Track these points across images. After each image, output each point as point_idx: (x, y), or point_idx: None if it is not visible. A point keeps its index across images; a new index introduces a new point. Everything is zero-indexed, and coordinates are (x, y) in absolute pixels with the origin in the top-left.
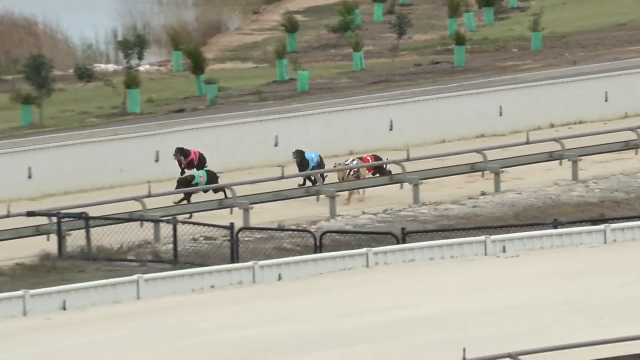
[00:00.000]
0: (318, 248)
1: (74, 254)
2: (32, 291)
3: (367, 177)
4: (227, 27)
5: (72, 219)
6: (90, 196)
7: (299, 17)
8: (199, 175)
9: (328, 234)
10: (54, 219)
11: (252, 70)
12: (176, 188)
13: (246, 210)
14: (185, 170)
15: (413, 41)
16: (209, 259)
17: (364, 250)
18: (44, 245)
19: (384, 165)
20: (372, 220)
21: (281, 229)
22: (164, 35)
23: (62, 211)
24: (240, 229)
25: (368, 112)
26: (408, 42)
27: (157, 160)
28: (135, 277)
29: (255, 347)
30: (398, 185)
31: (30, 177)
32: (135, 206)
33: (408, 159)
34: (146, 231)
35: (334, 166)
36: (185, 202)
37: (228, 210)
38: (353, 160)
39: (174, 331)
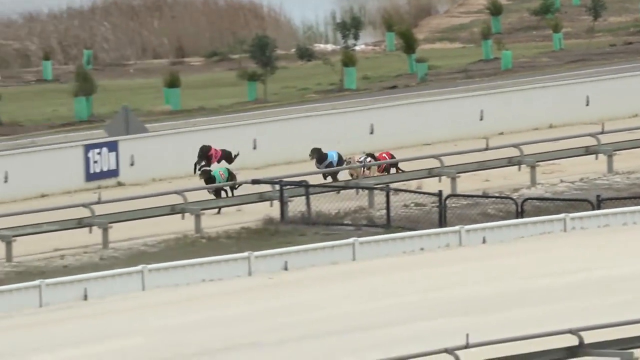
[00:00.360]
0: (519, 214)
1: (295, 219)
2: (256, 253)
3: (376, 175)
4: (436, 10)
5: (293, 186)
6: (310, 166)
7: (502, 1)
8: (220, 172)
9: (529, 200)
10: (277, 187)
11: (459, 50)
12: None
13: (453, 179)
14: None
15: (608, 23)
16: (419, 224)
17: (562, 215)
18: (267, 211)
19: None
20: (569, 188)
21: (485, 196)
22: (378, 18)
23: (284, 179)
24: (448, 196)
25: (565, 89)
26: (603, 24)
27: (371, 133)
28: (351, 240)
29: (458, 306)
30: (593, 156)
31: (255, 147)
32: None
33: (602, 132)
34: (361, 198)
35: (346, 163)
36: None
37: (437, 179)
38: (366, 157)
39: (386, 290)
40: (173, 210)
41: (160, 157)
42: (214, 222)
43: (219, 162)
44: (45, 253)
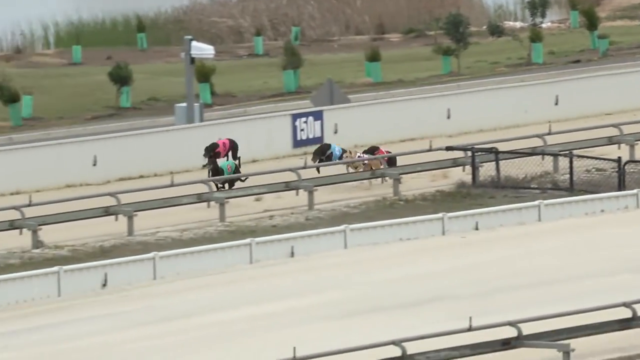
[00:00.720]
0: None
1: (485, 183)
2: (449, 214)
3: (381, 167)
4: None
5: (483, 153)
6: (500, 134)
7: None
8: (227, 166)
9: None
10: (469, 153)
11: (639, 27)
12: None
13: (632, 146)
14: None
15: None
16: (600, 188)
17: None
18: (460, 175)
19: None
20: None
21: None
22: None
23: (476, 146)
24: (627, 162)
25: None
26: None
27: (556, 104)
28: (537, 202)
29: (637, 264)
30: None
31: (449, 117)
32: (536, 142)
33: None
34: (546, 164)
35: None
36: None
37: (616, 146)
38: (359, 154)
39: (569, 248)
40: (373, 174)
41: (362, 125)
42: (411, 186)
43: (227, 153)
44: (256, 214)
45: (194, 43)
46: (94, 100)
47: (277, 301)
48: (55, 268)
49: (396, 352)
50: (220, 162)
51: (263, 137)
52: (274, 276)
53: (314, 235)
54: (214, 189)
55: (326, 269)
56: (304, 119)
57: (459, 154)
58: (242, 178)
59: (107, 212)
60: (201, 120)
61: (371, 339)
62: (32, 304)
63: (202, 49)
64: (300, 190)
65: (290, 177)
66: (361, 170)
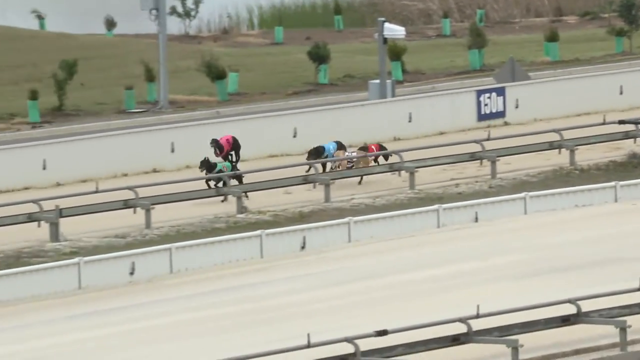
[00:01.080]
0: None
1: None
2: (621, 182)
3: (370, 165)
4: None
5: None
6: None
7: None
8: (223, 166)
9: None
10: None
11: None
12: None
13: None
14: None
15: None
16: None
17: None
18: (631, 147)
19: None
20: None
21: None
22: None
23: None
24: None
25: None
26: None
27: None
28: None
29: None
30: None
31: (621, 93)
32: None
33: None
34: None
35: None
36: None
37: None
38: (353, 151)
39: None
40: (551, 146)
41: (541, 100)
42: (585, 156)
43: (231, 150)
44: (443, 182)
45: (386, 24)
46: (294, 77)
47: (461, 263)
48: (257, 232)
49: (571, 309)
50: (218, 160)
51: (449, 111)
52: (459, 239)
53: (496, 202)
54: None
55: (507, 233)
56: (487, 95)
57: (630, 127)
58: (242, 175)
59: (305, 180)
60: (393, 95)
61: (548, 297)
62: (236, 264)
63: (394, 30)
64: (484, 161)
65: (474, 148)
66: (345, 169)
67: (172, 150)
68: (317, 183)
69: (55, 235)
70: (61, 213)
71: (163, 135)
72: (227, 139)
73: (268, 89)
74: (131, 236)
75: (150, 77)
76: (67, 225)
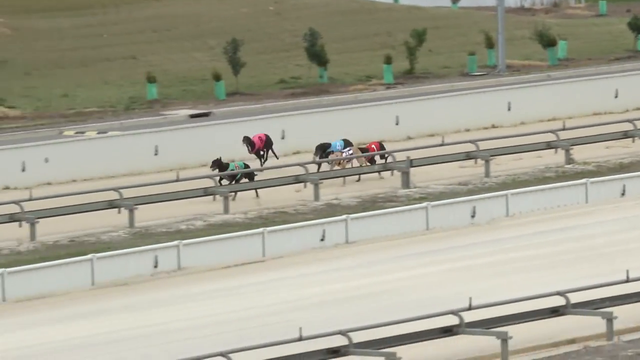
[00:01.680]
0: None
1: None
2: None
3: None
4: None
5: None
6: None
7: None
8: (236, 165)
9: None
10: None
11: None
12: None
13: None
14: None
15: None
16: None
17: None
18: None
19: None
20: None
21: None
22: None
23: None
24: None
25: None
26: None
27: None
28: None
29: None
30: None
31: None
32: None
33: None
34: None
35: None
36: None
37: None
38: (349, 150)
39: None
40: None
41: None
42: None
43: (264, 146)
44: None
45: None
46: (616, 45)
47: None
48: (583, 180)
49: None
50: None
51: None
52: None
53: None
54: None
55: None
56: None
57: None
58: (255, 173)
59: (625, 135)
60: None
61: None
62: (563, 209)
63: None
64: None
65: None
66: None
67: (509, 109)
68: None
69: (406, 183)
70: (411, 163)
71: (501, 96)
72: (259, 137)
73: (593, 55)
74: (472, 184)
75: (490, 44)
76: (417, 174)
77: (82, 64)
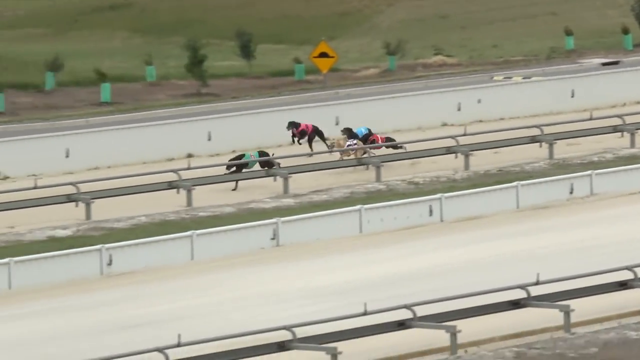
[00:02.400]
0: None
1: None
2: None
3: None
4: None
5: None
6: None
7: None
8: (251, 154)
9: None
10: None
11: None
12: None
13: None
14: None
15: None
16: None
17: None
18: None
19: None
20: None
21: None
22: None
23: None
24: None
25: None
26: None
27: None
28: None
29: None
30: None
31: None
32: None
33: None
34: None
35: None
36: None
37: None
38: (354, 142)
39: None
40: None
41: None
42: None
43: (309, 136)
44: None
45: None
46: None
47: None
48: None
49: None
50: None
51: None
52: None
53: None
54: None
55: None
56: None
57: None
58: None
59: None
60: None
61: None
62: None
63: None
64: None
65: None
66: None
67: None
68: None
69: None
70: None
71: None
72: (307, 125)
73: None
74: None
75: None
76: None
77: (510, 19)
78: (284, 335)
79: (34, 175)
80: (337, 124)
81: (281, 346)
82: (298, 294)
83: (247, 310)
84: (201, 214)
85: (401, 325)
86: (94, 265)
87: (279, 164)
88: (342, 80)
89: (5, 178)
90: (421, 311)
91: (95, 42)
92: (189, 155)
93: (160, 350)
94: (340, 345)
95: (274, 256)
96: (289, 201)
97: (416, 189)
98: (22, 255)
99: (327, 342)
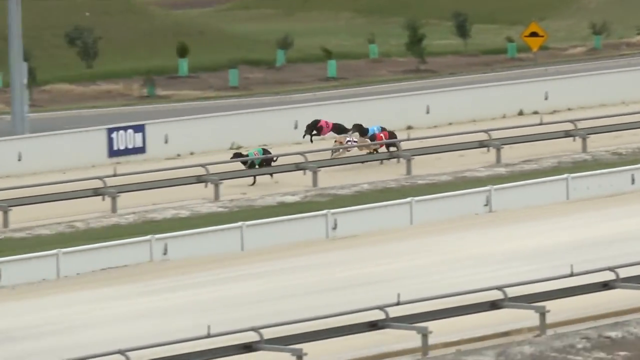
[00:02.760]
0: None
1: None
2: None
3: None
4: None
5: None
6: None
7: None
8: (254, 152)
9: None
10: None
11: None
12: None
13: None
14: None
15: None
16: None
17: None
18: None
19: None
20: None
21: None
22: None
23: None
24: None
25: None
26: None
27: None
28: None
29: None
30: None
31: None
32: None
33: None
34: None
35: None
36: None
37: None
38: (349, 140)
39: None
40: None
41: None
42: None
43: (333, 131)
44: None
45: None
46: None
47: None
48: None
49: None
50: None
51: None
52: None
53: None
54: None
55: None
56: None
57: None
58: (274, 159)
59: None
60: None
61: None
62: None
63: None
64: None
65: None
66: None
67: None
68: None
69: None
70: None
71: None
72: (326, 122)
73: None
74: None
75: None
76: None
77: None
78: (495, 295)
79: (264, 145)
80: (546, 98)
81: (494, 305)
82: (508, 257)
83: (461, 271)
84: (419, 182)
85: (605, 286)
86: (320, 229)
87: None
88: (551, 58)
89: (239, 148)
90: (624, 273)
91: (322, 22)
92: (409, 127)
93: (380, 308)
94: (547, 305)
95: (487, 221)
96: (501, 170)
97: (619, 159)
98: (254, 220)
99: (536, 302)
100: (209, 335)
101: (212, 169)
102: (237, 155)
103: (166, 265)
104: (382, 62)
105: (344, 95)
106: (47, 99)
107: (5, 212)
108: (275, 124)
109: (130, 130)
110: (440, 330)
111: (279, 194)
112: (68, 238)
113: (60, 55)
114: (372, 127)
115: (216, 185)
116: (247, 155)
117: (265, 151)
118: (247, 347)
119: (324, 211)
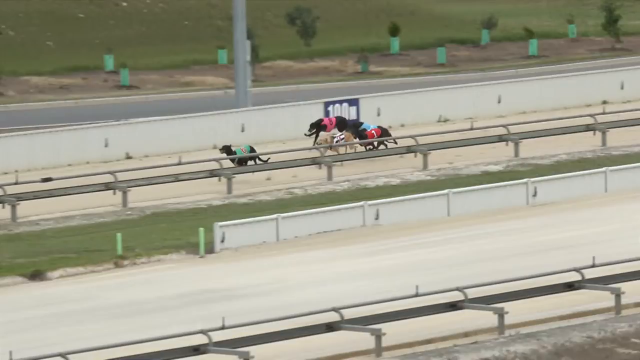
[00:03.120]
0: None
1: None
2: None
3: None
4: None
5: None
6: None
7: None
8: (242, 148)
9: None
10: None
11: None
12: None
13: None
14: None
15: None
16: None
17: None
18: None
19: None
20: None
21: None
22: None
23: None
24: None
25: None
26: None
27: None
28: None
29: None
30: None
31: None
32: None
33: None
34: None
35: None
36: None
37: None
38: (341, 135)
39: None
40: None
41: None
42: None
43: (336, 127)
44: None
45: None
46: None
47: None
48: None
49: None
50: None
51: None
52: None
53: None
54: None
55: None
56: None
57: None
58: (265, 158)
59: None
60: None
61: None
62: None
63: None
64: None
65: None
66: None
67: None
68: None
69: None
70: None
71: None
72: (330, 119)
73: None
74: None
75: None
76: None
77: None
78: None
79: (470, 118)
80: None
81: None
82: None
83: None
84: (614, 152)
85: None
86: (521, 196)
87: None
88: None
89: (446, 120)
90: None
91: (524, 4)
92: (604, 102)
93: (577, 270)
94: None
95: None
96: None
97: None
98: (459, 187)
99: None
100: (417, 295)
101: (421, 140)
102: (225, 149)
103: (377, 229)
104: (580, 42)
105: (544, 72)
106: (269, 75)
107: (229, 180)
108: (479, 99)
109: (345, 104)
110: (633, 291)
111: (483, 164)
112: (287, 203)
113: (281, 33)
114: (366, 124)
115: (425, 155)
116: (235, 153)
117: (252, 149)
118: (453, 306)
119: (525, 180)
